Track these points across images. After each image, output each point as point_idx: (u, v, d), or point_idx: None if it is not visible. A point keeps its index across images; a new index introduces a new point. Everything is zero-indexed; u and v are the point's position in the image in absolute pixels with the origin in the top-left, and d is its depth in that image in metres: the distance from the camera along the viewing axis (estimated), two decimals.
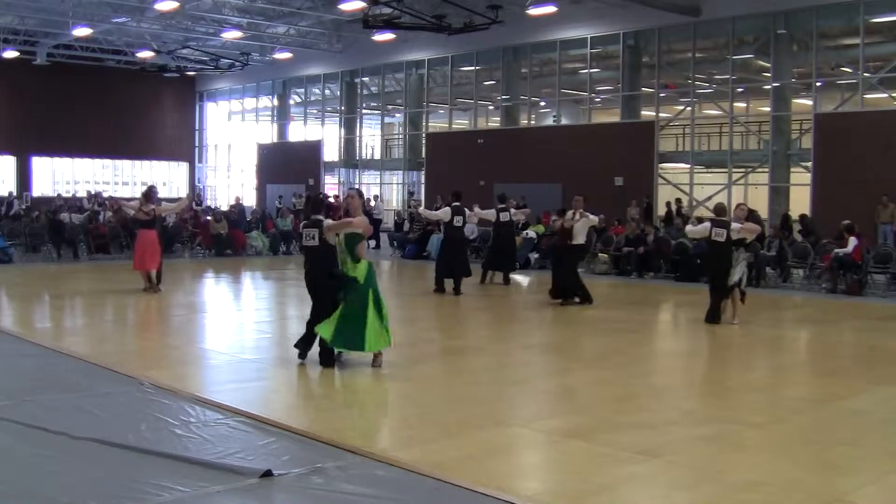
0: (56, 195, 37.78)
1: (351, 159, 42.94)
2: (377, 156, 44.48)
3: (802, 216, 23.88)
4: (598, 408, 8.22)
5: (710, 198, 29.99)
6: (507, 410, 8.24)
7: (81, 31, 34.11)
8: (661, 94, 31.34)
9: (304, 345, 10.23)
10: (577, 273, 16.72)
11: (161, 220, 21.21)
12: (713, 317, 13.87)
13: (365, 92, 42.98)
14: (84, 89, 43.22)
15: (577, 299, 16.15)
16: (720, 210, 14.49)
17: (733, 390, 9.52)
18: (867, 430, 7.81)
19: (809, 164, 26.31)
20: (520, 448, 7.36)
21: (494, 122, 37.43)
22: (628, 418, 8.00)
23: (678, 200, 27.77)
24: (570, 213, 16.47)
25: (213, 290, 19.89)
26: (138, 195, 23.54)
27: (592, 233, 21.08)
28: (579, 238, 16.46)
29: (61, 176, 45.57)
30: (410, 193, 38.90)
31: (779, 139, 28.08)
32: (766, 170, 28.55)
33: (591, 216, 16.63)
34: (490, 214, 19.62)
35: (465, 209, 18.39)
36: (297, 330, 14.08)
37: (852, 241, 18.61)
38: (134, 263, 17.31)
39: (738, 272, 13.83)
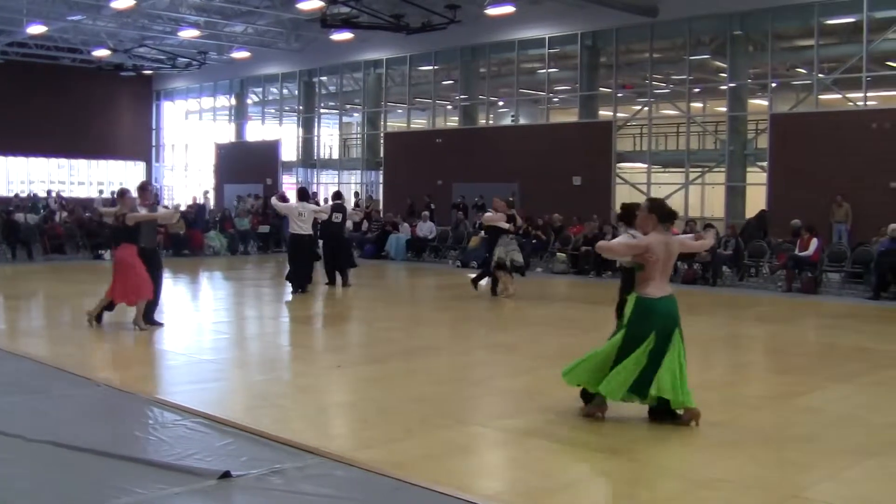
0: (13, 195, 37.28)
1: (309, 159, 42.77)
2: (335, 155, 44.31)
3: (743, 226, 23.60)
4: (559, 406, 8.23)
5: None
6: (468, 410, 8.22)
7: (36, 29, 33.59)
8: (619, 94, 31.49)
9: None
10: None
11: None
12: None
13: (323, 91, 42.83)
14: (39, 88, 42.54)
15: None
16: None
17: (692, 388, 9.56)
18: (824, 427, 7.89)
19: (765, 163, 26.59)
20: (480, 447, 7.35)
21: (453, 122, 37.47)
22: None
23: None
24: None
25: (171, 291, 19.66)
26: (95, 195, 19.57)
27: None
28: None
29: (15, 175, 44.93)
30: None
31: (735, 139, 28.37)
32: (723, 169, 28.83)
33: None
34: (325, 211, 19.03)
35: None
36: (255, 331, 14.07)
37: (814, 243, 18.80)
38: (126, 296, 12.26)
39: (497, 253, 16.84)
